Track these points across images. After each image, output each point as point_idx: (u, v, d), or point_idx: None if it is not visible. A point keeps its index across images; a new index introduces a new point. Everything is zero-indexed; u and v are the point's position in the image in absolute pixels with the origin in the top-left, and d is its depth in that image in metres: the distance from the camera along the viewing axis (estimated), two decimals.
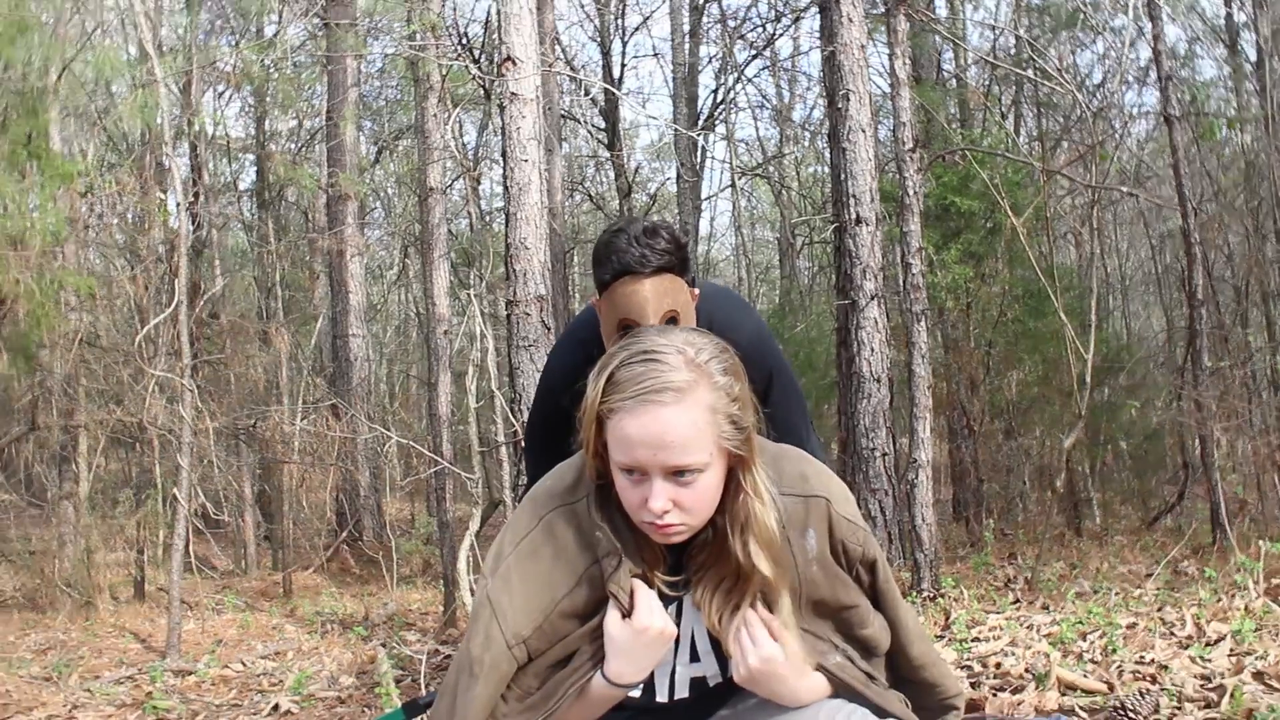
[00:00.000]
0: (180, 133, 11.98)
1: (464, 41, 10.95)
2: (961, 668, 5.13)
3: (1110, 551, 9.81)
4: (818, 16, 11.07)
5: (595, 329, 3.03)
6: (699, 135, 15.33)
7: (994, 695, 4.61)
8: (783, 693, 2.03)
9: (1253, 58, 13.25)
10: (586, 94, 18.81)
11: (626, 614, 1.99)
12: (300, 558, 12.71)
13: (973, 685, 4.78)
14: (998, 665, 5.06)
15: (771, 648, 1.98)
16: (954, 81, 15.49)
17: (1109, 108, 14.03)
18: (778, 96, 21.82)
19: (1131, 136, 16.03)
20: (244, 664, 7.20)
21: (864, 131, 8.62)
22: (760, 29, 17.86)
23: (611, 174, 19.57)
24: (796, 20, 17.74)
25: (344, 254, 15.51)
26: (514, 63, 6.19)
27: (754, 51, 17.96)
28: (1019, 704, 4.39)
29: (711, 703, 2.23)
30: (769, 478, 1.99)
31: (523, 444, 3.98)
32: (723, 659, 2.12)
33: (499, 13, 6.36)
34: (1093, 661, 4.98)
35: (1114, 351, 12.79)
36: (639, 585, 1.99)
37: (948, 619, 6.45)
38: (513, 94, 6.18)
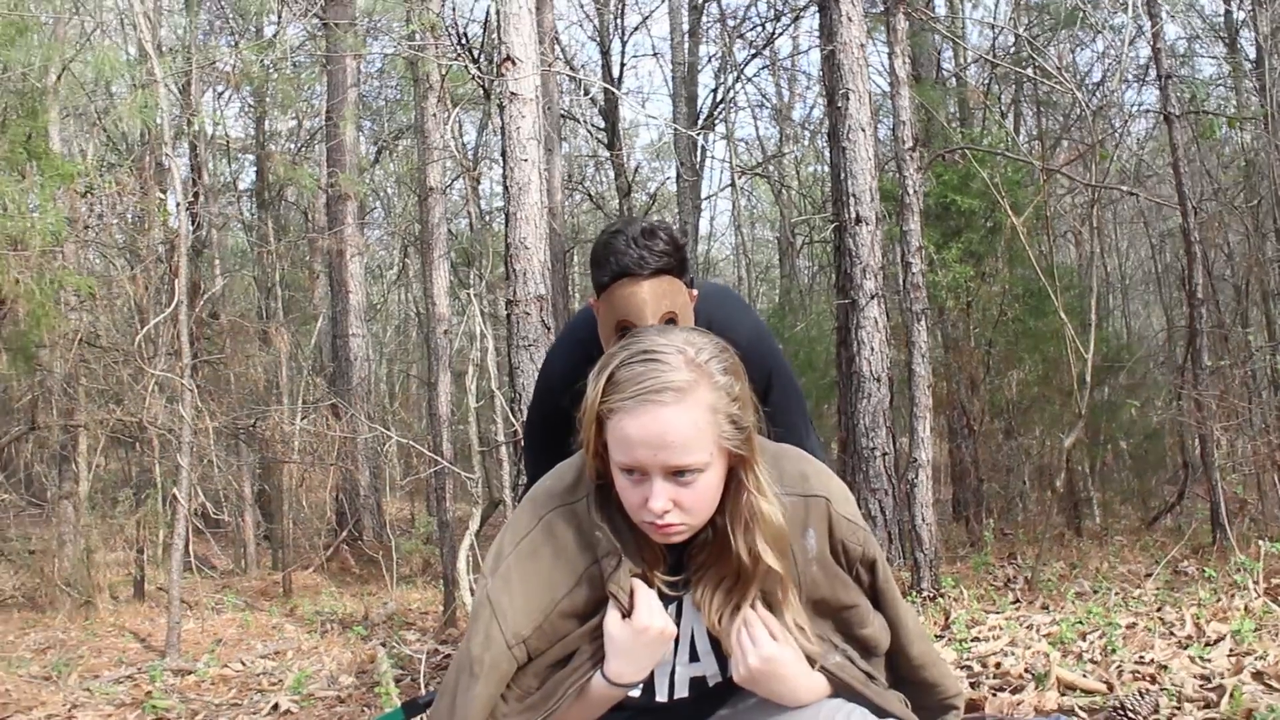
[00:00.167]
0: (180, 133, 11.97)
1: (463, 41, 10.93)
2: (961, 667, 5.12)
3: (1110, 551, 9.81)
4: (817, 15, 11.07)
5: (593, 329, 3.02)
6: (699, 134, 15.33)
7: (993, 695, 4.60)
8: (782, 692, 2.03)
9: (1252, 56, 13.27)
10: (586, 93, 18.81)
11: (626, 614, 1.98)
12: (300, 557, 12.71)
13: (972, 685, 4.78)
14: (997, 665, 5.06)
15: (772, 647, 1.98)
16: (954, 80, 15.49)
17: (1109, 106, 14.04)
18: (777, 95, 21.85)
19: (1131, 135, 16.06)
20: (243, 663, 7.19)
21: (864, 130, 8.62)
22: (759, 28, 17.89)
23: (611, 173, 19.57)
24: (796, 19, 17.74)
25: (344, 254, 15.51)
26: (513, 62, 6.19)
27: (753, 50, 17.97)
28: (1018, 704, 4.39)
29: (711, 702, 2.23)
30: (770, 476, 1.99)
31: (522, 444, 3.98)
32: (722, 659, 2.12)
33: (498, 12, 6.36)
34: (1092, 661, 4.98)
35: (1114, 351, 12.79)
36: (639, 585, 1.99)
37: (947, 619, 6.44)
38: (512, 94, 6.18)
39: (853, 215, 8.58)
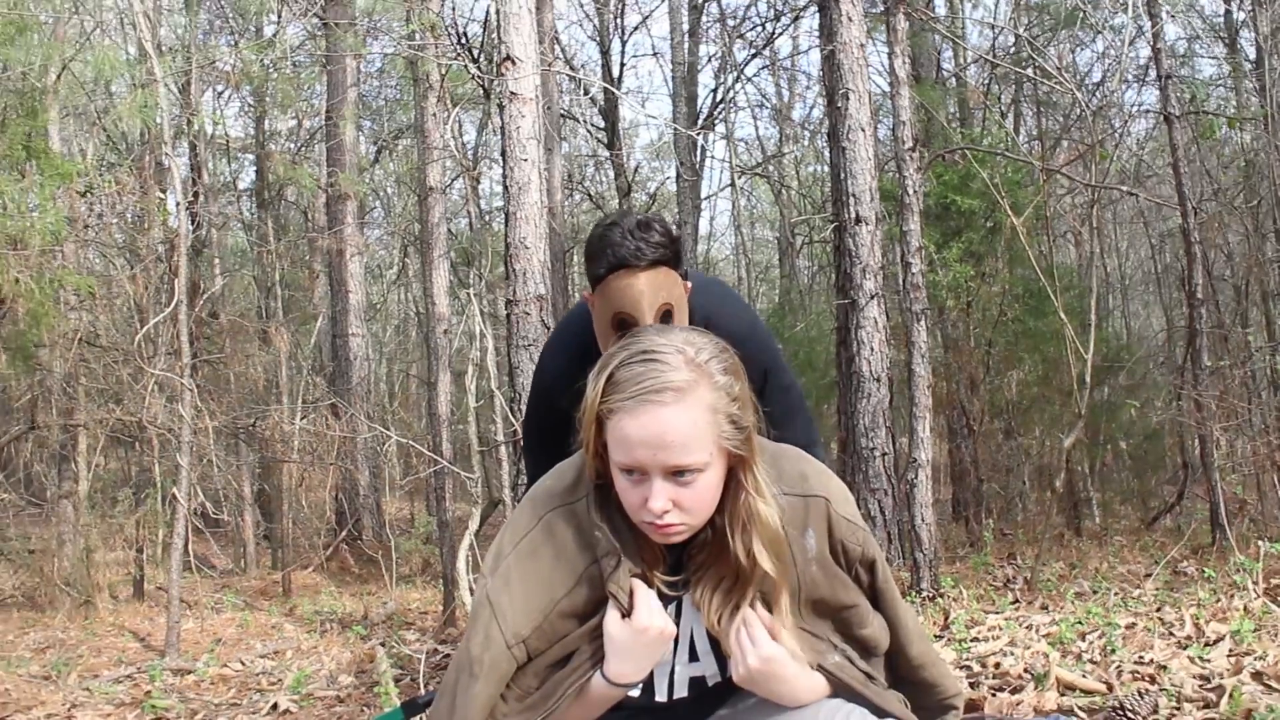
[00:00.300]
0: (180, 132, 11.97)
1: (463, 41, 10.93)
2: (960, 668, 5.12)
3: (1109, 551, 9.81)
4: (817, 15, 11.08)
5: (586, 325, 3.02)
6: (698, 134, 15.33)
7: (993, 695, 4.60)
8: (782, 692, 2.03)
9: (1252, 56, 13.26)
10: (586, 93, 18.80)
11: (626, 614, 1.98)
12: (299, 557, 12.70)
13: (972, 685, 4.78)
14: (997, 665, 5.06)
15: (771, 647, 1.98)
16: (954, 80, 15.49)
17: (1109, 106, 14.04)
18: (777, 95, 21.84)
19: (1131, 135, 16.05)
20: (243, 663, 7.19)
21: (864, 130, 8.62)
22: (759, 28, 17.87)
23: (611, 173, 19.58)
24: (796, 19, 17.72)
25: (343, 253, 15.51)
26: (513, 62, 6.19)
27: (753, 50, 17.95)
28: (1018, 704, 4.39)
29: (710, 702, 2.23)
30: (769, 476, 1.99)
31: (522, 444, 3.98)
32: (722, 659, 2.12)
33: (498, 12, 6.36)
34: (1092, 662, 4.98)
35: (1114, 351, 12.79)
36: (638, 585, 1.99)
37: (947, 619, 6.44)
38: (512, 93, 6.17)
39: (853, 215, 8.58)
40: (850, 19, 8.59)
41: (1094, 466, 13.21)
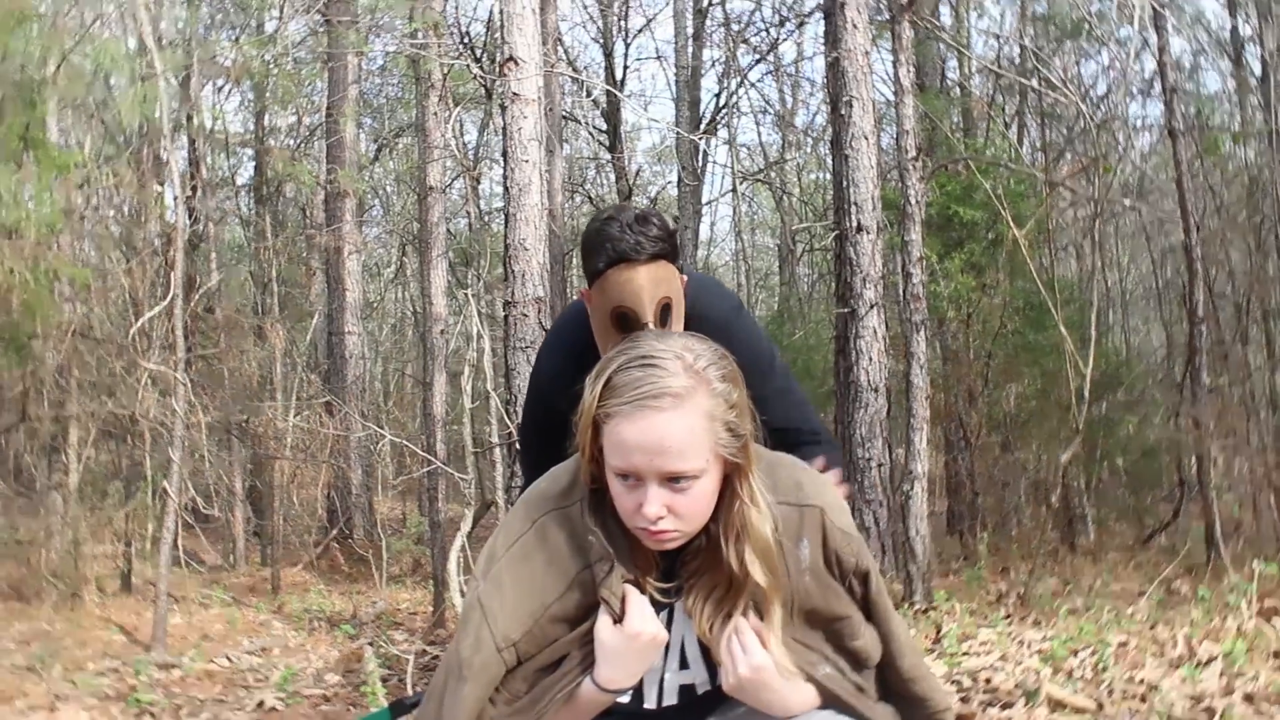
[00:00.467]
0: (179, 126, 11.95)
1: (466, 40, 10.94)
2: (951, 682, 5.10)
3: (1104, 568, 9.77)
4: (822, 22, 11.04)
5: (582, 325, 3.01)
6: (701, 139, 15.32)
7: (983, 710, 4.59)
8: (771, 702, 2.02)
9: (1258, 72, 13.25)
10: (588, 95, 18.82)
11: (618, 619, 1.98)
12: (289, 554, 12.69)
13: (962, 700, 4.76)
14: (988, 680, 5.04)
15: (762, 656, 1.97)
16: (958, 90, 15.48)
17: (1113, 120, 14.02)
18: (780, 102, 21.83)
19: (1135, 149, 16.02)
20: (230, 659, 7.18)
21: (867, 139, 8.60)
22: (764, 33, 17.88)
23: (612, 176, 19.60)
24: (800, 25, 17.77)
25: (341, 251, 15.51)
26: (516, 63, 6.17)
27: (757, 56, 17.99)
28: None
29: (699, 711, 2.21)
30: (764, 485, 1.98)
31: (518, 447, 3.96)
32: (712, 667, 2.11)
33: (502, 12, 6.34)
34: (1083, 679, 4.96)
35: (1113, 366, 12.76)
36: (631, 591, 1.99)
37: (939, 632, 6.42)
38: (514, 94, 6.16)
39: (854, 224, 8.56)
40: (855, 26, 8.57)
41: (1090, 482, 13.18)
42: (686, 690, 2.16)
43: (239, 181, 18.40)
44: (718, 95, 18.30)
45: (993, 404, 12.37)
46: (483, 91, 12.49)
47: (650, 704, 2.15)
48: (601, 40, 18.35)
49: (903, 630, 2.17)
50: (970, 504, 12.38)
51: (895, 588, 7.94)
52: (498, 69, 6.45)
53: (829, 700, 2.06)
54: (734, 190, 21.43)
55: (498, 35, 6.73)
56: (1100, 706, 4.49)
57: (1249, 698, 4.43)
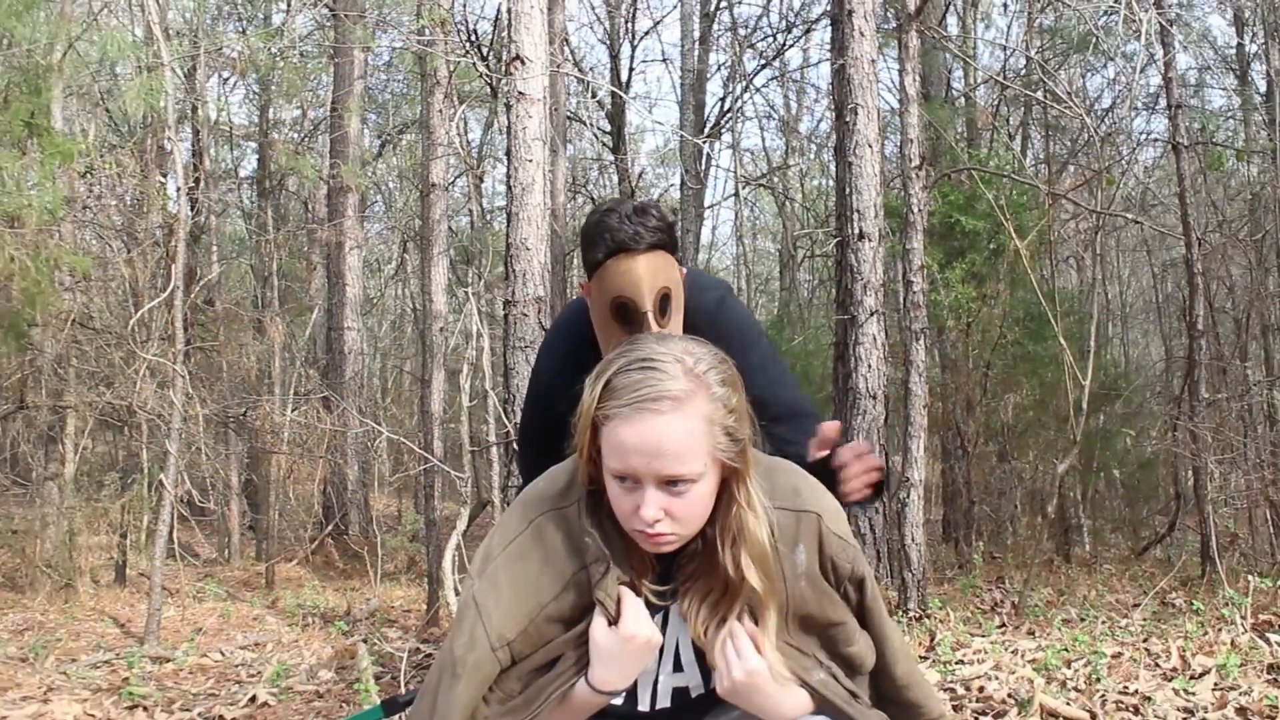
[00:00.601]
0: (183, 117, 11.95)
1: (473, 38, 10.91)
2: (944, 690, 5.10)
3: (1099, 579, 9.78)
4: (829, 29, 11.05)
5: (582, 323, 3.01)
6: (704, 143, 15.29)
7: (976, 719, 4.58)
8: (765, 707, 2.02)
9: (1263, 89, 13.27)
10: (593, 96, 18.82)
11: (613, 621, 1.98)
12: (284, 549, 12.68)
13: (955, 708, 4.75)
14: (981, 689, 5.03)
15: (756, 661, 1.97)
16: (963, 100, 15.48)
17: (1117, 133, 14.02)
18: (785, 107, 21.84)
19: (1138, 163, 16.04)
20: (223, 653, 7.17)
21: (871, 146, 8.58)
22: (770, 39, 17.88)
23: (615, 178, 19.56)
24: (807, 32, 17.75)
25: (343, 246, 15.51)
26: (522, 62, 6.16)
27: (763, 61, 17.97)
28: None
29: (693, 714, 2.20)
30: (762, 490, 1.98)
31: (515, 447, 3.96)
32: (706, 670, 2.11)
33: (509, 11, 6.33)
34: (1076, 690, 4.96)
35: (1111, 379, 12.76)
36: (626, 593, 1.98)
37: (933, 640, 6.41)
38: (520, 93, 6.15)
39: (856, 231, 8.54)
40: (862, 34, 8.56)
41: (1086, 493, 13.20)
42: (680, 693, 2.16)
43: (242, 174, 18.44)
44: (723, 99, 18.32)
45: (990, 413, 12.36)
46: (488, 90, 12.47)
47: (644, 706, 2.15)
48: (608, 41, 18.30)
49: (897, 637, 2.17)
50: (966, 512, 12.38)
51: (890, 595, 7.94)
52: (504, 67, 6.43)
53: (822, 706, 2.05)
54: (736, 195, 21.36)
55: (505, 34, 6.72)
56: (1093, 717, 4.49)
57: (1242, 711, 4.43)
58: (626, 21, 17.60)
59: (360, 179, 15.82)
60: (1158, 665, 5.38)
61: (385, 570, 11.20)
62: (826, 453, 2.81)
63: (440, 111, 10.60)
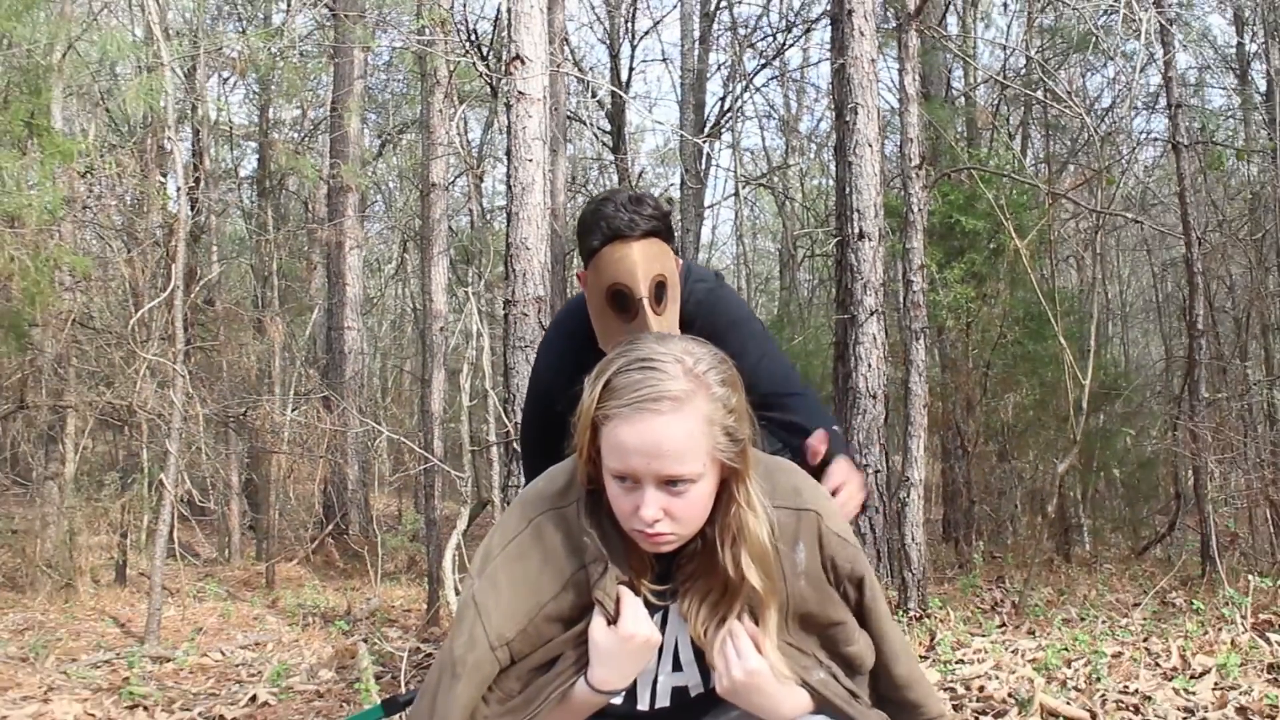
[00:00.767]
0: (183, 117, 11.95)
1: (473, 38, 10.90)
2: (944, 689, 5.09)
3: (1099, 579, 9.78)
4: (829, 28, 11.05)
5: (581, 320, 3.03)
6: (704, 142, 15.29)
7: (977, 719, 4.58)
8: (764, 706, 2.02)
9: (1263, 89, 13.26)
10: (593, 96, 18.81)
11: (612, 620, 1.98)
12: (284, 549, 12.68)
13: (955, 708, 4.75)
14: (981, 689, 5.03)
15: (757, 661, 1.98)
16: (963, 100, 15.47)
17: (1117, 132, 14.02)
18: (785, 107, 21.83)
19: (1138, 162, 16.03)
20: (223, 653, 7.17)
21: (871, 146, 8.58)
22: (770, 38, 17.87)
23: (615, 177, 19.54)
24: (807, 31, 17.74)
25: (343, 246, 15.51)
26: (522, 61, 6.16)
27: (763, 61, 17.96)
28: None
29: (692, 713, 2.21)
30: (762, 489, 1.98)
31: (516, 447, 3.96)
32: (705, 670, 2.12)
33: (509, 10, 6.33)
34: (1076, 689, 4.95)
35: (1111, 378, 12.75)
36: (625, 592, 1.99)
37: (933, 639, 6.41)
38: (520, 93, 6.14)
39: (856, 230, 8.54)
40: (862, 34, 8.55)
41: (1086, 493, 13.20)
42: (680, 693, 2.16)
43: (242, 174, 18.43)
44: (722, 99, 18.31)
45: (990, 413, 12.36)
46: (488, 89, 12.46)
47: (643, 706, 2.15)
48: (608, 41, 18.29)
49: (897, 636, 2.17)
50: (966, 512, 12.38)
51: (890, 594, 7.93)
52: (504, 67, 6.43)
53: (821, 705, 2.06)
54: (736, 194, 21.33)
55: (505, 33, 6.71)
56: (1093, 716, 4.48)
57: (1242, 711, 4.43)
58: (626, 21, 17.60)
59: (360, 179, 15.82)
60: (1158, 665, 5.38)
61: (385, 570, 11.20)
62: (818, 460, 2.82)
63: (440, 111, 10.61)
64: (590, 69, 20.49)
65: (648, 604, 2.01)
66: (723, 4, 17.52)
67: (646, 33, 23.30)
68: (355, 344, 15.84)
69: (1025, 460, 12.83)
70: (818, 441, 2.81)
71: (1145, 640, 6.10)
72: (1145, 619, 7.00)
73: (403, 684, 5.81)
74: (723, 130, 18.76)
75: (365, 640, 7.27)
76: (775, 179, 20.75)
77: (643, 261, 2.80)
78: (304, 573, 12.26)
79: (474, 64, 9.94)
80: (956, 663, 5.70)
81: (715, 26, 17.48)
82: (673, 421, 1.82)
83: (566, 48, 15.04)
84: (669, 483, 1.84)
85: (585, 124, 19.91)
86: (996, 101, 15.59)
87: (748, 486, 1.94)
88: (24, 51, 8.99)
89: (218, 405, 10.57)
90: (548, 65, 6.40)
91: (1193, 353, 9.99)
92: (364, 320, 18.06)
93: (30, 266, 8.15)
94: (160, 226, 10.90)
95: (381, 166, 21.42)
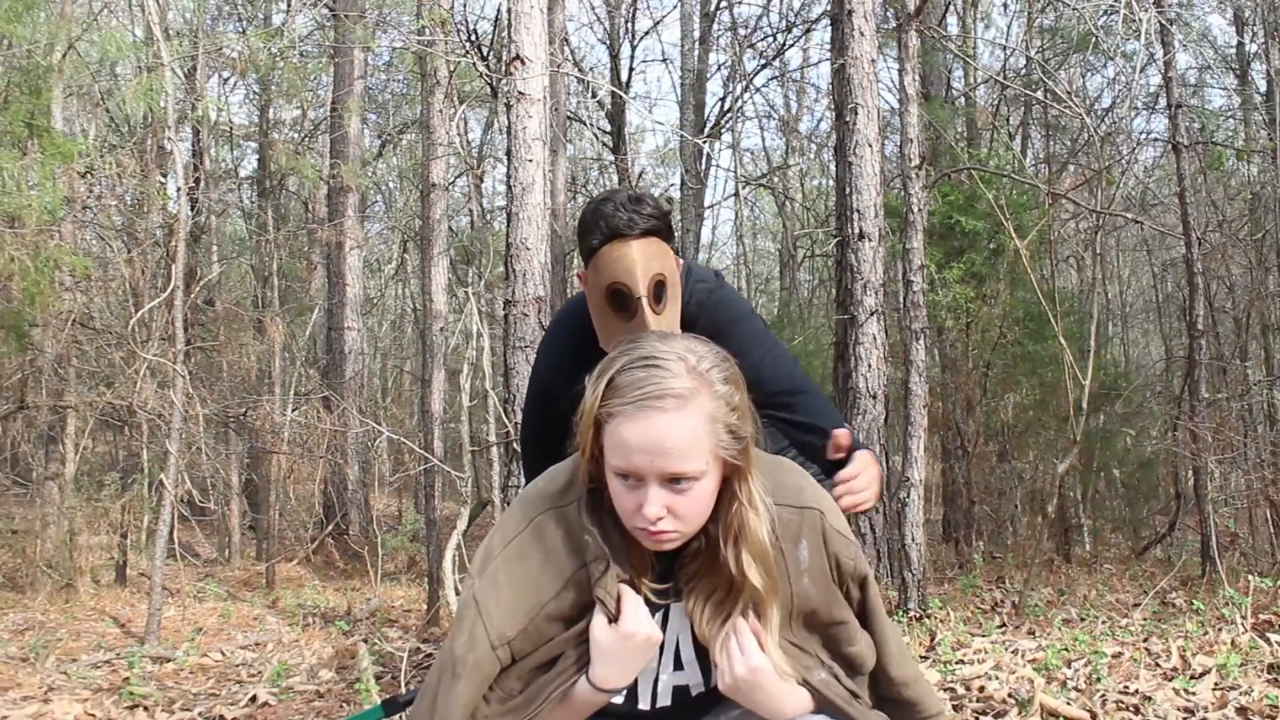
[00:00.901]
0: (183, 117, 11.94)
1: (473, 38, 10.90)
2: (944, 690, 5.09)
3: (1099, 579, 9.78)
4: (829, 28, 11.04)
5: (580, 319, 3.04)
6: (704, 143, 15.27)
7: (976, 719, 4.58)
8: (765, 705, 2.02)
9: (1263, 89, 13.26)
10: (593, 96, 18.81)
11: (613, 619, 1.98)
12: (284, 549, 12.68)
13: (955, 708, 4.75)
14: (981, 689, 5.03)
15: (759, 658, 1.98)
16: (963, 100, 15.47)
17: (1117, 133, 14.02)
18: (785, 107, 21.82)
19: (1138, 163, 16.04)
20: (223, 653, 7.16)
21: (871, 146, 8.57)
22: (770, 39, 17.85)
23: (615, 178, 19.53)
24: (807, 31, 17.73)
25: (343, 246, 15.51)
26: (522, 62, 6.16)
27: (763, 61, 17.94)
28: None
29: (693, 712, 2.21)
30: (764, 487, 1.98)
31: (516, 447, 3.96)
32: (706, 668, 2.12)
33: (509, 11, 6.32)
34: (1076, 689, 4.95)
35: (1111, 378, 12.75)
36: (626, 591, 1.99)
37: (933, 640, 6.41)
38: (520, 93, 6.14)
39: (856, 230, 8.53)
40: (862, 34, 8.55)
41: (1086, 493, 13.20)
42: (681, 692, 2.16)
43: (242, 174, 18.42)
44: (723, 99, 18.30)
45: (990, 413, 12.36)
46: (488, 90, 12.47)
47: (644, 705, 2.15)
48: (608, 41, 18.28)
49: (895, 636, 2.17)
50: (966, 512, 12.38)
51: (890, 594, 7.94)
52: (504, 67, 6.42)
53: (823, 705, 2.06)
54: (736, 194, 21.32)
55: (505, 34, 6.71)
56: (1093, 717, 4.48)
57: (1242, 711, 4.43)
58: (626, 21, 17.60)
59: (360, 179, 15.82)
60: (1158, 665, 5.38)
61: (385, 570, 11.20)
62: (842, 455, 2.85)
63: (440, 111, 10.60)
64: (590, 69, 20.49)
65: (649, 602, 2.01)
66: (723, 4, 17.51)
67: (646, 33, 23.30)
68: (355, 344, 15.84)
69: (1025, 460, 12.83)
70: (844, 437, 2.83)
71: (1145, 640, 6.10)
72: (1145, 619, 7.00)
73: (403, 684, 5.80)
74: (723, 130, 18.75)
75: (365, 640, 7.27)
76: (775, 179, 20.74)
77: (642, 260, 2.80)
78: (304, 573, 12.26)
79: (474, 64, 9.95)
80: (956, 663, 5.70)
81: (715, 27, 17.47)
82: (676, 419, 1.82)
83: (566, 48, 15.04)
84: (672, 480, 1.84)
85: (585, 124, 19.91)
86: (996, 102, 15.59)
87: (750, 484, 1.94)
88: (24, 52, 9.00)
89: (218, 405, 10.58)
90: (548, 65, 6.40)
91: (1193, 353, 10.00)
92: (364, 320, 18.06)
93: (30, 266, 8.15)
94: (160, 226, 10.90)
95: (381, 166, 21.42)
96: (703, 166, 17.61)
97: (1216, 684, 4.85)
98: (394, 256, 23.29)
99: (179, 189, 9.29)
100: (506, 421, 6.52)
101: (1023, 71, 15.16)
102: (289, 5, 15.65)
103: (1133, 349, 21.53)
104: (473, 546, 5.96)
